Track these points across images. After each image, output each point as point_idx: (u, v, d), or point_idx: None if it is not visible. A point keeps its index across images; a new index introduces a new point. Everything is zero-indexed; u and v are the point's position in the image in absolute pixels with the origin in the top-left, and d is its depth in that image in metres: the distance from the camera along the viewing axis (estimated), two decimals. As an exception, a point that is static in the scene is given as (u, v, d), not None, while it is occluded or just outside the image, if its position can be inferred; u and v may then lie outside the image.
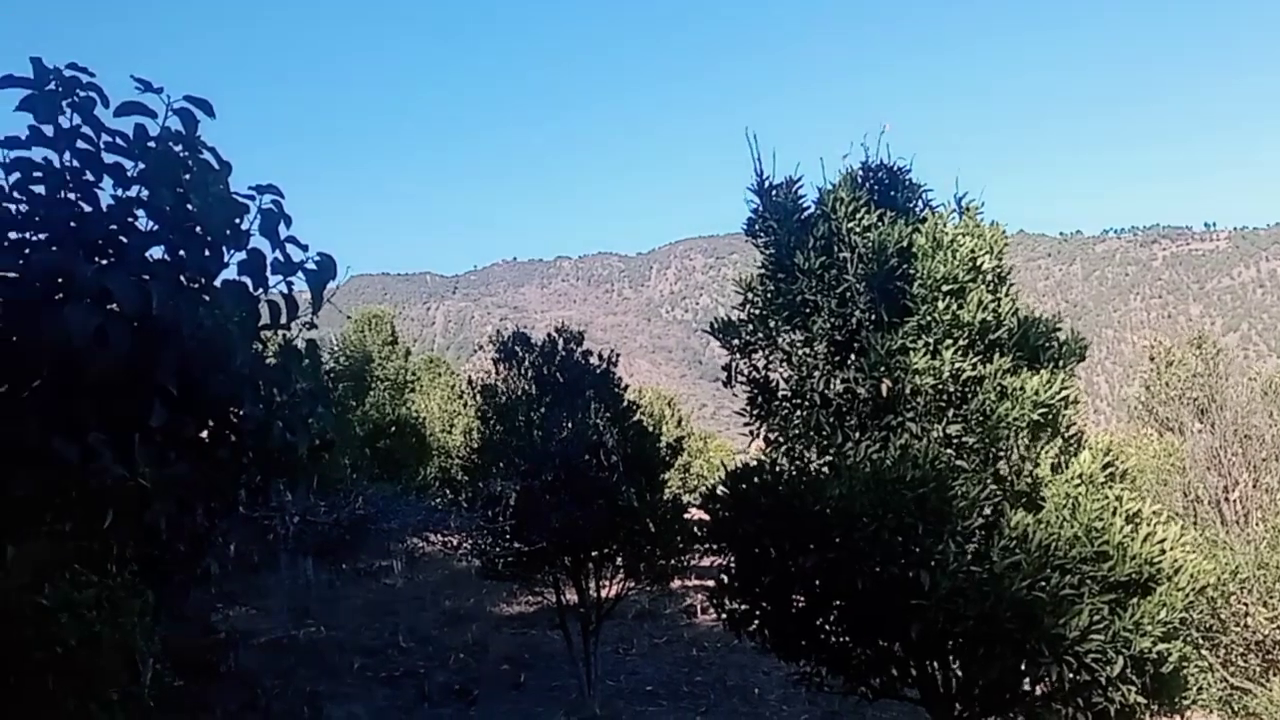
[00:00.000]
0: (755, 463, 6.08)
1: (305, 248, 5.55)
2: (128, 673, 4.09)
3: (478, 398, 11.88)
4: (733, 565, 6.13)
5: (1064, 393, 5.91)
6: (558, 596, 11.28)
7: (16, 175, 5.05)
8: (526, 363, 11.20)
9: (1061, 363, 6.19)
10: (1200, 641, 5.99)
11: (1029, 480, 5.91)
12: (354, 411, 23.97)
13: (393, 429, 24.78)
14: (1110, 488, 5.82)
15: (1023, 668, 5.65)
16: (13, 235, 5.03)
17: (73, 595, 3.75)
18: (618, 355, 11.47)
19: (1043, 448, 5.96)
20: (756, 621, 6.07)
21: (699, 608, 17.70)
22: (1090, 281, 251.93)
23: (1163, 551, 5.67)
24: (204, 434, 5.35)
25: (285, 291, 5.63)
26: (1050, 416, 5.88)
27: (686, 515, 11.05)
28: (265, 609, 13.89)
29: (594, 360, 11.09)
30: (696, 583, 17.45)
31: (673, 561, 10.96)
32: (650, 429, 11.52)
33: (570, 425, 10.42)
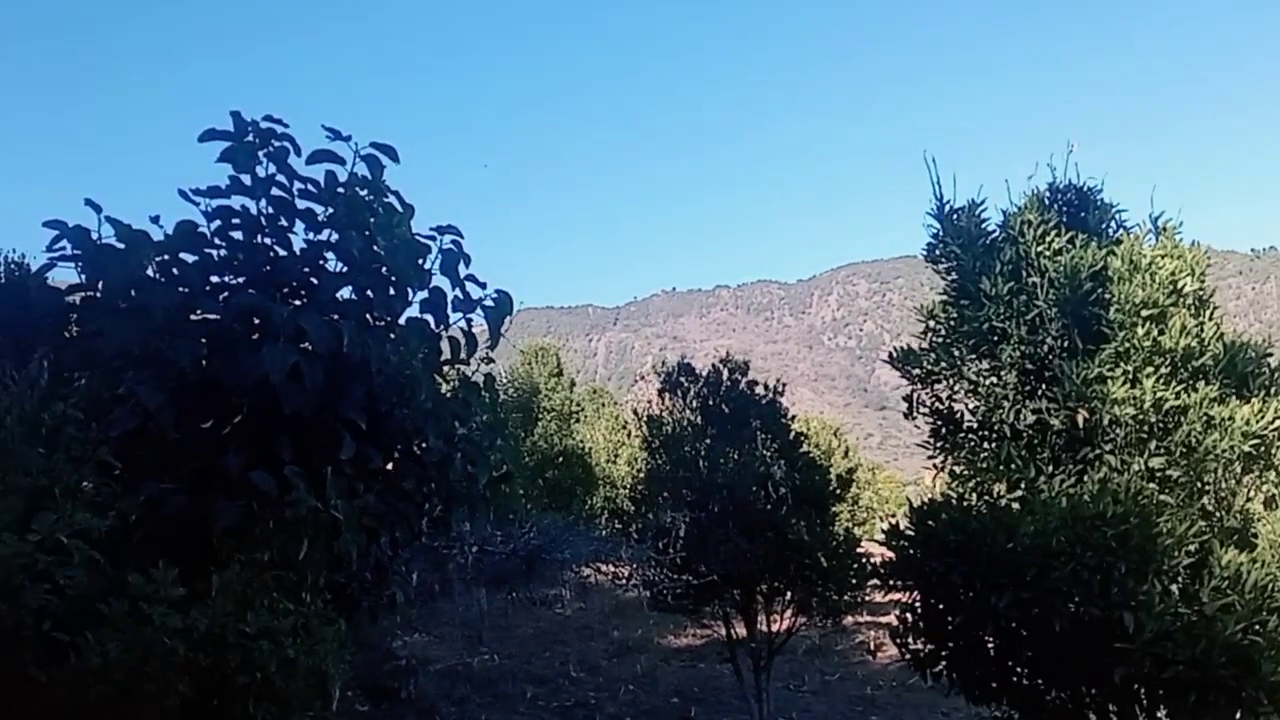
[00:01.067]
0: (942, 498, 5.84)
1: (484, 285, 5.73)
2: (321, 699, 4.20)
3: (644, 428, 11.91)
4: (917, 603, 5.89)
5: (1277, 423, 5.46)
6: (727, 630, 11.15)
7: (218, 223, 5.38)
8: (691, 393, 11.15)
9: (1274, 390, 5.72)
10: None
11: (1239, 516, 5.49)
12: (523, 442, 24.48)
13: (560, 459, 25.16)
14: (1334, 525, 5.34)
15: (1238, 717, 5.22)
16: (214, 279, 5.36)
17: (272, 623, 3.88)
18: (784, 385, 11.30)
19: (1254, 481, 5.54)
20: (943, 662, 5.81)
21: (873, 645, 17.21)
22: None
23: (1394, 595, 5.16)
24: (389, 466, 5.55)
25: (465, 328, 5.83)
26: (1262, 448, 5.44)
27: (859, 549, 10.77)
28: (440, 636, 14.26)
29: (760, 390, 10.96)
30: (870, 619, 16.96)
31: (845, 597, 10.67)
32: (819, 460, 11.29)
33: (737, 456, 10.31)
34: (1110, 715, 5.60)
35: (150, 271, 5.03)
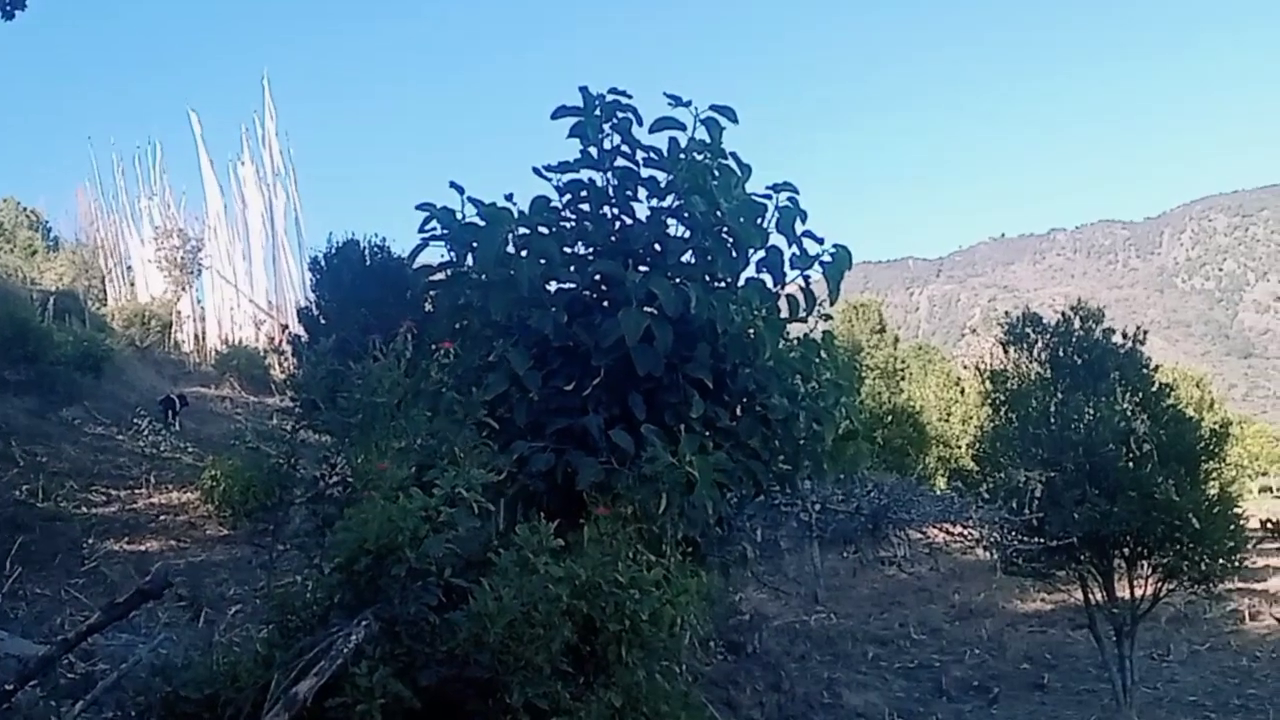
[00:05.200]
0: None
1: (820, 240, 5.66)
2: (687, 649, 4.35)
3: (985, 384, 11.43)
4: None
5: None
6: (1085, 595, 10.51)
7: (568, 196, 5.67)
8: (1039, 344, 10.56)
9: None
10: None
11: None
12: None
13: (889, 418, 24.69)
14: None
15: None
16: (567, 250, 5.65)
17: (640, 574, 4.05)
18: (1144, 332, 10.43)
19: None
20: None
21: (1247, 614, 15.67)
22: None
23: None
24: (734, 424, 5.64)
25: (802, 285, 5.80)
26: None
27: (1236, 510, 9.80)
28: (776, 593, 14.44)
29: (1117, 339, 10.16)
30: (1242, 585, 15.47)
31: (1220, 561, 9.74)
32: (1188, 415, 10.33)
33: (1092, 411, 9.64)
34: None
35: (510, 246, 5.37)
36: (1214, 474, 10.58)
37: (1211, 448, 10.11)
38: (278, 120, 30.70)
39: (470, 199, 5.39)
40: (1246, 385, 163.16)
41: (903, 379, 29.82)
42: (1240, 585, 15.19)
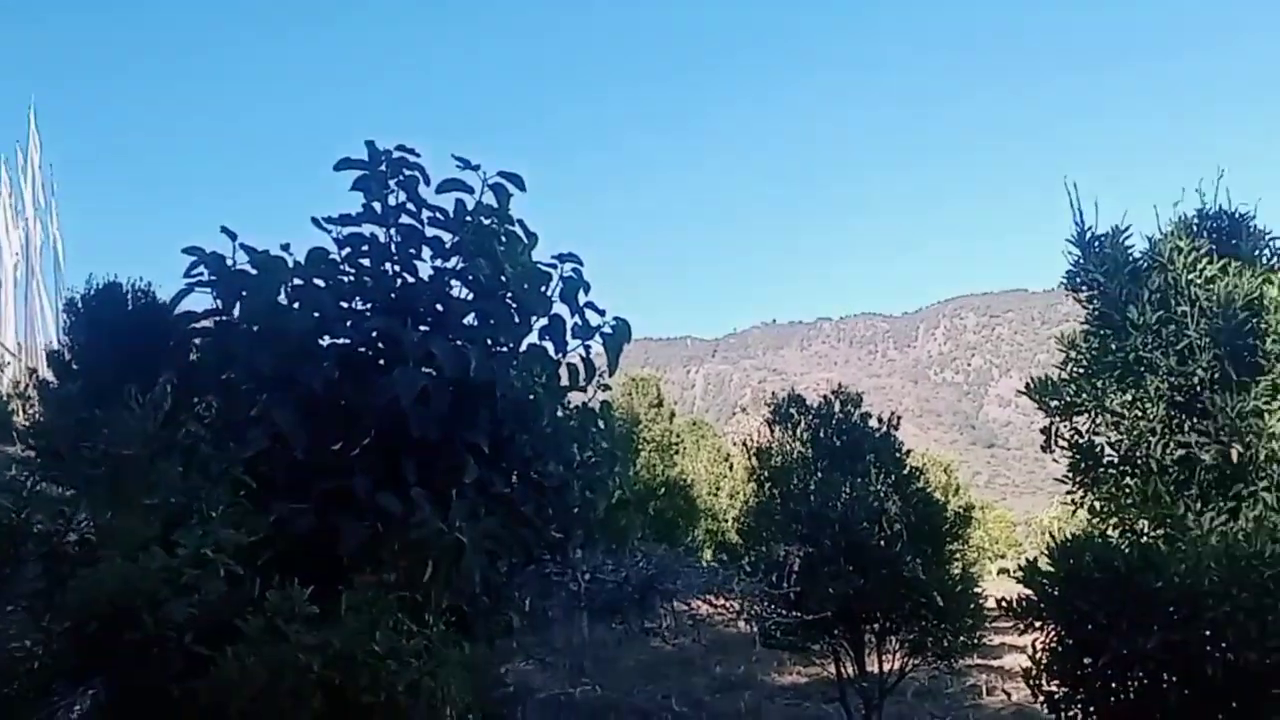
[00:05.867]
0: (1084, 535, 5.61)
1: (602, 312, 5.74)
2: (445, 722, 4.19)
3: (751, 460, 11.81)
4: (1054, 644, 5.65)
5: None
6: (838, 669, 10.91)
7: (348, 250, 5.51)
8: (801, 425, 11.03)
9: None
10: None
11: None
12: (626, 473, 24.45)
13: (662, 491, 25.08)
14: None
15: None
16: (344, 305, 5.47)
17: (399, 644, 3.90)
18: (899, 418, 11.09)
19: None
20: (1078, 706, 5.55)
21: (984, 689, 16.71)
22: None
23: None
24: (509, 490, 5.57)
25: (583, 354, 5.85)
26: None
27: (977, 590, 10.48)
28: (542, 664, 14.26)
29: (874, 423, 10.77)
30: (981, 662, 16.51)
31: (961, 638, 10.36)
32: (936, 498, 11.03)
33: (849, 490, 10.13)
34: (1263, 771, 5.27)
35: (282, 297, 5.16)
36: (958, 555, 11.31)
37: (956, 529, 10.82)
38: (42, 153, 28.38)
39: (243, 245, 5.15)
40: (989, 473, 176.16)
41: (677, 453, 30.41)
42: (979, 661, 16.18)
